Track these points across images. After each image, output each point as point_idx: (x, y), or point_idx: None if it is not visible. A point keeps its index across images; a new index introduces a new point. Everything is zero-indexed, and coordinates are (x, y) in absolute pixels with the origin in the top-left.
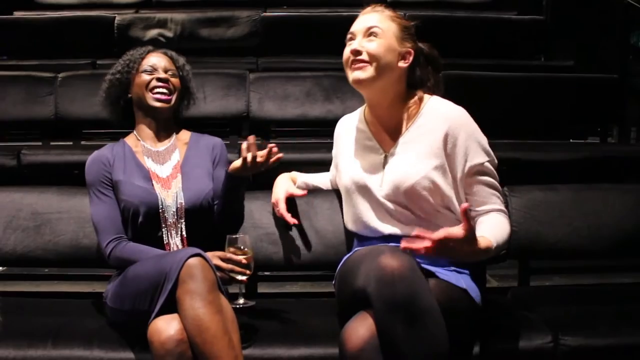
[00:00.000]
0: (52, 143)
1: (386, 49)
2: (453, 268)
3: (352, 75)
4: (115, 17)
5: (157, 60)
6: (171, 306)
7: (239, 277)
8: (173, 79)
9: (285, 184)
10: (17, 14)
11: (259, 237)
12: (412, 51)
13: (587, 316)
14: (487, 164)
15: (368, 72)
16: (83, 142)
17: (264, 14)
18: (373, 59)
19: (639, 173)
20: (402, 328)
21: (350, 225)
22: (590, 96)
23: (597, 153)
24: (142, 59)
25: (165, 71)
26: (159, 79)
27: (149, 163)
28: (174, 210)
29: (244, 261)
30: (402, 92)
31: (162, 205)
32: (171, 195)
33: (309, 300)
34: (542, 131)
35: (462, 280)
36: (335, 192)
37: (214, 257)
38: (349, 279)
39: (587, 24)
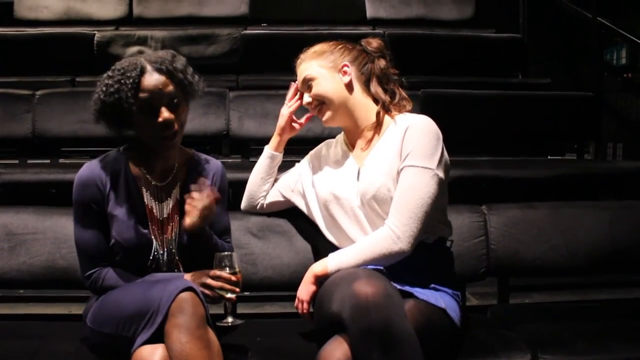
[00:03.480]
0: (29, 161)
1: (323, 82)
2: (432, 285)
3: (322, 121)
4: (95, 34)
5: (153, 86)
6: (156, 337)
7: (228, 295)
8: (176, 114)
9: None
10: None
11: (239, 257)
12: (347, 63)
13: (566, 334)
14: (418, 170)
15: (326, 110)
16: (61, 160)
17: (244, 31)
18: (321, 98)
19: (614, 189)
20: (377, 355)
21: (329, 236)
22: (567, 113)
23: (574, 170)
24: (137, 89)
25: (168, 103)
26: (163, 125)
27: (146, 198)
28: (169, 259)
29: (233, 279)
30: (367, 108)
31: (155, 252)
32: (166, 243)
33: (288, 321)
34: (520, 148)
35: (441, 299)
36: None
37: (203, 275)
38: (325, 302)
39: (563, 42)
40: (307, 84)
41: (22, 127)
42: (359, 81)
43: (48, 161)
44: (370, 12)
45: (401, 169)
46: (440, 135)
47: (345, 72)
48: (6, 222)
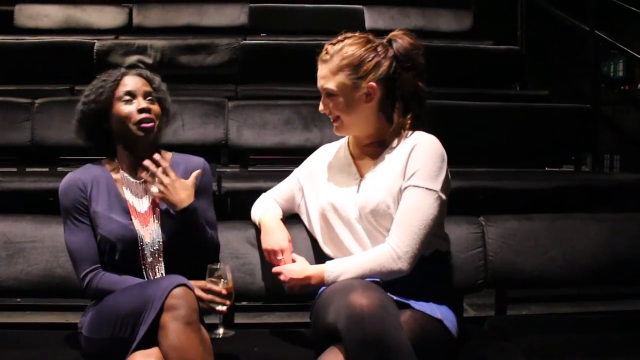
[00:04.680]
0: (28, 169)
1: (345, 103)
2: (429, 297)
3: (333, 128)
4: (94, 42)
5: (133, 83)
6: (151, 339)
7: (219, 308)
8: (153, 106)
9: (285, 234)
10: None
11: (236, 267)
12: (374, 84)
13: (563, 346)
14: (422, 191)
15: (340, 126)
16: (60, 169)
17: (244, 41)
18: (338, 114)
19: (612, 201)
20: None
21: (326, 249)
22: (564, 125)
23: (571, 181)
24: (117, 85)
25: (144, 96)
26: (140, 110)
27: (127, 195)
28: (153, 249)
29: (224, 291)
30: (382, 124)
31: (141, 242)
32: (149, 234)
33: (286, 331)
34: (517, 159)
35: (438, 310)
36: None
37: (194, 287)
38: (322, 313)
39: (561, 54)
40: (326, 93)
41: (21, 136)
42: (382, 103)
43: (47, 169)
44: (369, 22)
45: (405, 188)
46: (446, 157)
47: (369, 95)
48: (4, 231)
